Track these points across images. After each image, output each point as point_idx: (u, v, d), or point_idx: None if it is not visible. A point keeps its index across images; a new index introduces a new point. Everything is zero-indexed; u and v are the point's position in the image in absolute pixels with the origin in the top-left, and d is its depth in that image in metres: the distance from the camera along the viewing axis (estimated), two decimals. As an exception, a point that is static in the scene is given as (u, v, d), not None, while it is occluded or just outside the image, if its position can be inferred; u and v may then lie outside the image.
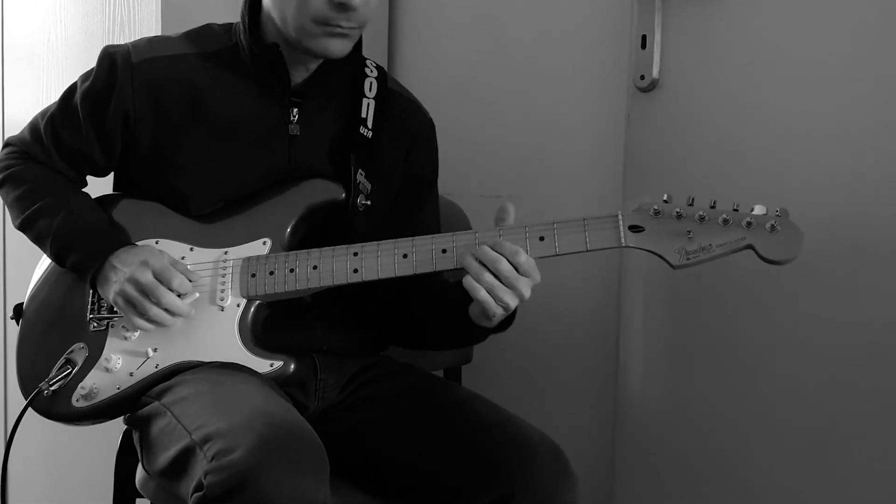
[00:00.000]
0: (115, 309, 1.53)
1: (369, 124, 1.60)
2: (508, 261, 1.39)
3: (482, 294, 1.39)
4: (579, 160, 2.10)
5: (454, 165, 2.13)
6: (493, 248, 1.40)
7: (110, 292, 1.49)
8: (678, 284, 1.87)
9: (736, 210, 1.36)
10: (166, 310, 1.48)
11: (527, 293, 1.40)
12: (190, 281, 1.50)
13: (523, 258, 1.39)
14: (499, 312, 1.41)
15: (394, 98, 1.66)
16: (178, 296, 1.49)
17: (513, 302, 1.40)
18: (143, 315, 1.48)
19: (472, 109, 2.27)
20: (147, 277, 1.47)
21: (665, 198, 1.39)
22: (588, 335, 2.09)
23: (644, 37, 1.87)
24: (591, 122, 2.08)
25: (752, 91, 1.76)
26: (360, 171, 1.57)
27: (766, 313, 1.76)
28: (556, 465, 1.45)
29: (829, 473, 1.71)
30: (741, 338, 1.79)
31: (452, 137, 2.15)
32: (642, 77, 1.88)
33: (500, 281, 1.39)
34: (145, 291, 1.47)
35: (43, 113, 1.62)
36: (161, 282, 1.47)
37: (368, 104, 1.61)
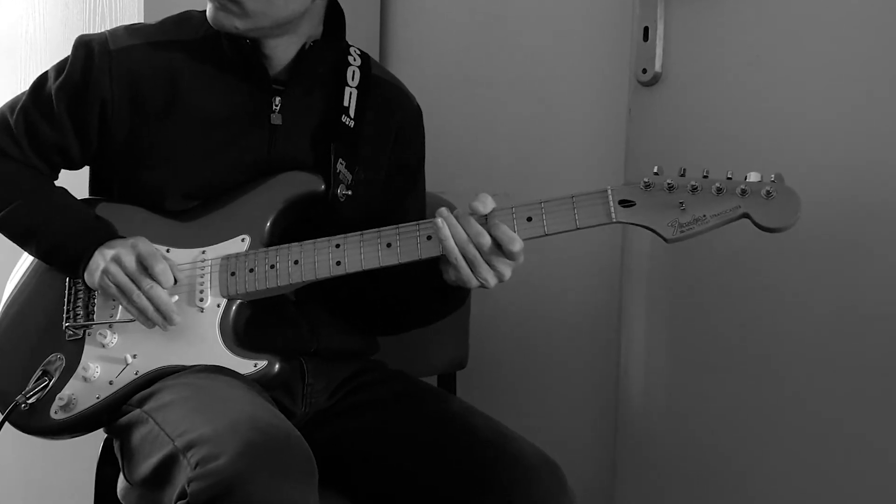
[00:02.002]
0: (91, 315, 1.51)
1: (351, 113, 1.57)
2: (499, 245, 1.36)
3: (462, 264, 1.37)
4: (579, 157, 2.06)
5: (449, 163, 2.13)
6: (487, 229, 1.37)
7: (96, 276, 1.47)
8: (681, 286, 1.85)
9: (730, 178, 1.33)
10: (149, 297, 1.45)
11: (508, 275, 1.39)
12: (175, 279, 1.47)
13: (517, 247, 1.36)
14: (474, 285, 1.39)
15: (378, 85, 1.63)
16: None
17: (493, 281, 1.38)
18: (128, 296, 1.45)
19: (467, 105, 2.24)
20: (130, 259, 1.45)
21: (655, 170, 1.36)
22: (588, 339, 2.06)
23: (646, 28, 1.84)
24: (590, 117, 2.04)
25: (758, 85, 1.73)
26: (340, 160, 1.54)
27: (772, 316, 1.73)
28: (553, 483, 1.42)
29: (838, 480, 1.68)
30: (747, 341, 1.76)
31: (448, 134, 2.14)
32: (644, 71, 1.85)
33: (482, 256, 1.37)
34: (128, 273, 1.45)
35: (11, 105, 1.58)
36: (145, 266, 1.45)
37: (351, 93, 1.58)
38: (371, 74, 1.62)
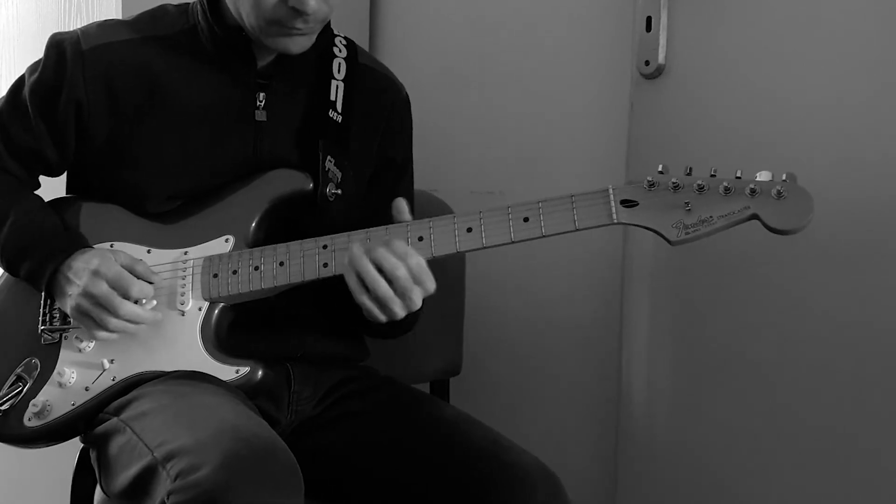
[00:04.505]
0: (68, 319, 1.47)
1: (339, 108, 1.53)
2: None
3: (368, 303, 1.34)
4: (578, 153, 2.03)
5: (442, 160, 2.11)
6: (390, 251, 1.33)
7: (67, 307, 1.44)
8: (685, 290, 1.82)
9: (738, 177, 1.28)
10: (128, 321, 1.42)
11: (418, 303, 1.35)
12: (150, 283, 1.43)
13: (414, 261, 1.33)
14: (382, 320, 1.36)
15: (365, 74, 1.60)
16: (137, 304, 1.43)
17: (402, 313, 1.35)
18: (105, 328, 1.42)
19: (461, 99, 2.21)
20: (101, 289, 1.41)
21: (660, 169, 1.31)
22: (588, 345, 2.04)
23: (649, 19, 1.83)
24: (591, 111, 2.02)
25: (765, 77, 1.71)
26: (328, 158, 1.50)
27: (779, 322, 1.71)
28: (552, 494, 1.39)
29: (846, 491, 1.65)
30: (753, 349, 1.74)
31: (441, 130, 2.13)
32: (647, 63, 1.84)
33: (395, 290, 1.33)
34: (102, 304, 1.41)
35: None
36: (117, 290, 1.41)
37: (337, 86, 1.55)
38: (358, 63, 1.59)
